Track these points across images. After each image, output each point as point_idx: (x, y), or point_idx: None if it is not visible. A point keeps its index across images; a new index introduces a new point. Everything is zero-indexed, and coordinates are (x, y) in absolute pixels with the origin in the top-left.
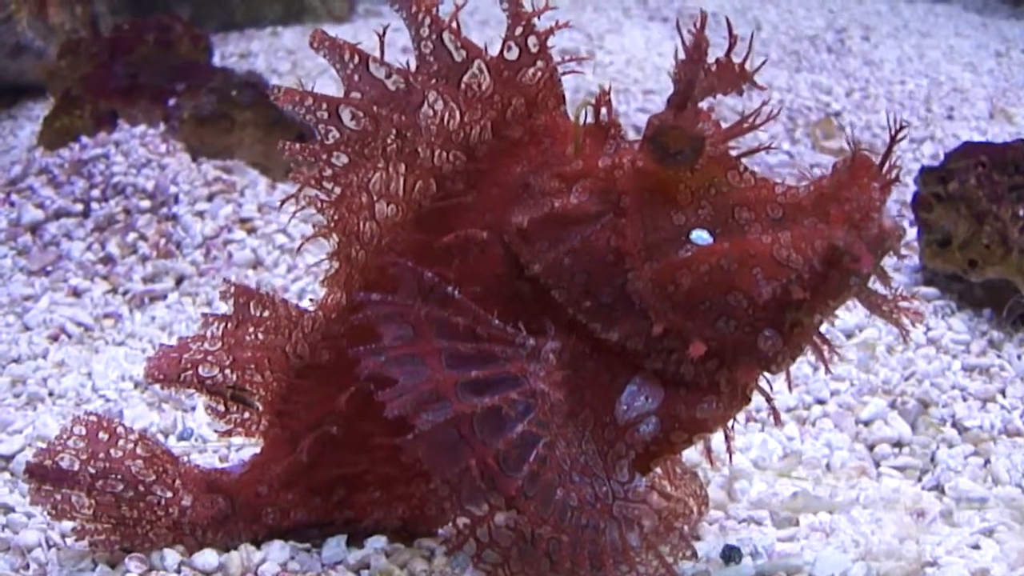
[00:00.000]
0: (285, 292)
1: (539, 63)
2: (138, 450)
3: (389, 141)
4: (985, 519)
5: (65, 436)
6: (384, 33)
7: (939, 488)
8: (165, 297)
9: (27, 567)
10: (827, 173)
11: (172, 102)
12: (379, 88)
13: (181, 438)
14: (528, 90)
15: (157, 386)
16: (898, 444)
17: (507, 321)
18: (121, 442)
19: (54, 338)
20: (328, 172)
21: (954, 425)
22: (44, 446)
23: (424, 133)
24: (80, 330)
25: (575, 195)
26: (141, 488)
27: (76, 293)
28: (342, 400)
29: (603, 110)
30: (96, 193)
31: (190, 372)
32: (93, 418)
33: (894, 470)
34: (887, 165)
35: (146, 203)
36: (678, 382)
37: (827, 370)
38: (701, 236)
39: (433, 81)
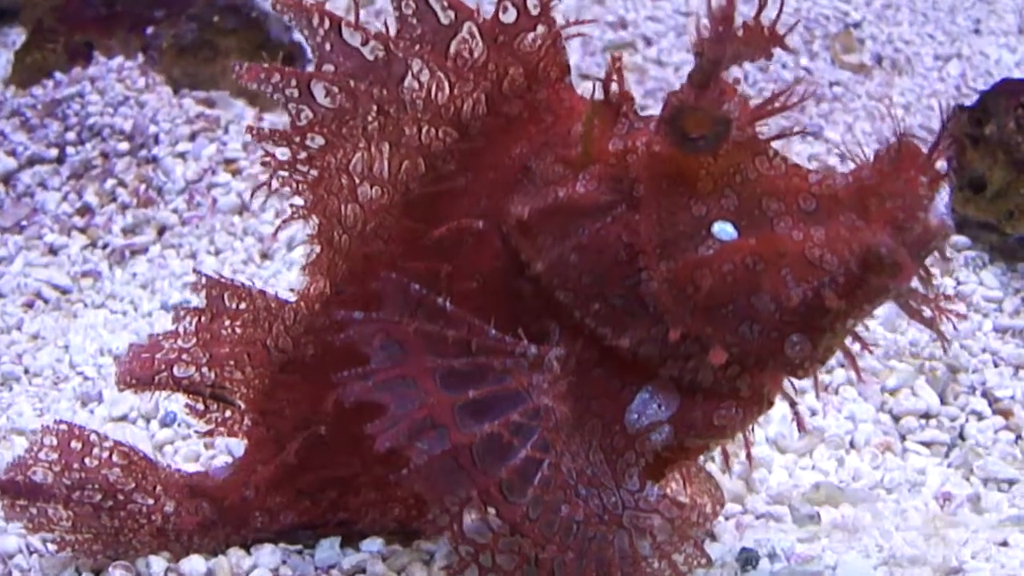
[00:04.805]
0: (275, 241)
1: (540, 28)
2: (114, 458)
3: (370, 119)
4: (1014, 504)
5: (36, 448)
6: None
7: (967, 466)
8: (146, 251)
9: (10, 574)
10: (867, 161)
11: (151, 31)
12: (355, 58)
13: (163, 424)
14: (527, 59)
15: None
16: (925, 415)
17: (507, 321)
18: (95, 450)
19: (29, 305)
20: (303, 155)
21: (984, 394)
22: (15, 460)
23: (409, 108)
24: (57, 294)
25: (582, 183)
26: (120, 497)
27: (52, 250)
28: (329, 402)
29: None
30: (71, 136)
31: (165, 373)
32: (64, 427)
33: (920, 446)
34: (937, 154)
35: (124, 145)
36: (695, 388)
37: (859, 378)
38: (724, 229)
39: (417, 48)
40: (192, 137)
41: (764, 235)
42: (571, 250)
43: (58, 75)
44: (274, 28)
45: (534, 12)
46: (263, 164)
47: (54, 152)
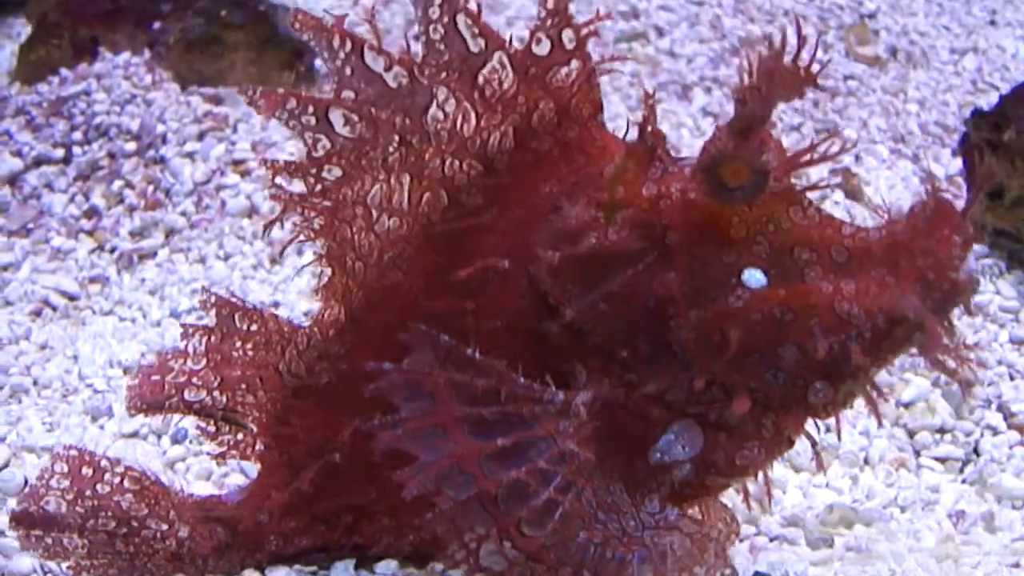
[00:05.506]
0: (283, 255)
1: (574, 62)
2: (126, 483)
3: (391, 149)
4: None
5: (47, 476)
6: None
7: (981, 482)
8: (155, 255)
9: None
10: (901, 216)
11: (157, 26)
12: (377, 84)
13: (175, 441)
14: (559, 94)
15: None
16: (940, 431)
17: (532, 361)
18: (107, 476)
19: (37, 313)
20: (318, 188)
21: (1000, 408)
22: (27, 491)
23: (433, 139)
24: (64, 301)
25: (614, 230)
26: (134, 523)
27: (59, 255)
28: (345, 435)
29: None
30: (78, 136)
31: (175, 397)
32: (74, 452)
33: (935, 461)
34: (969, 214)
35: (131, 145)
36: (719, 427)
37: (879, 424)
38: (754, 276)
39: (443, 75)
40: (200, 136)
41: (794, 285)
42: (602, 299)
43: (64, 72)
44: (282, 22)
45: (569, 46)
46: (273, 199)
47: (60, 152)
